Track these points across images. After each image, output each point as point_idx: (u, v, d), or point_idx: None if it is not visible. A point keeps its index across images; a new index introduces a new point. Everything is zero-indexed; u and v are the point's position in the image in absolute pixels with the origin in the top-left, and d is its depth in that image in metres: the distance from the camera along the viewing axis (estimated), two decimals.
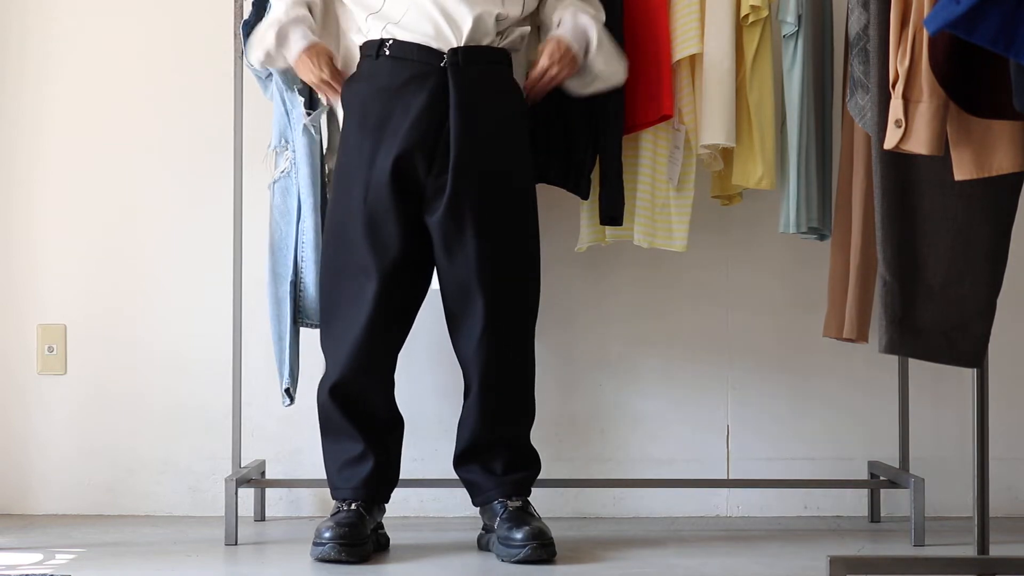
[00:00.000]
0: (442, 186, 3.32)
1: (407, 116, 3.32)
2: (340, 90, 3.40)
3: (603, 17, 3.50)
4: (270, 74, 3.57)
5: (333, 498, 3.43)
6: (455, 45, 3.33)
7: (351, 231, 3.35)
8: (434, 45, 3.33)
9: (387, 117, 3.33)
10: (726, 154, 3.67)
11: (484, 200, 3.34)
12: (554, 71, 3.41)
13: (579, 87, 3.48)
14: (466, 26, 3.33)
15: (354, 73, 3.42)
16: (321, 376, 3.44)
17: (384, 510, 3.47)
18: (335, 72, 3.40)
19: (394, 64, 3.35)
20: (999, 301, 2.90)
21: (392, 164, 3.31)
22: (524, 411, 3.46)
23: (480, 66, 3.35)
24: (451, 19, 3.33)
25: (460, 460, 3.46)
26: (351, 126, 3.39)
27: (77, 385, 4.02)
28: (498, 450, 3.42)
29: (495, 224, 3.35)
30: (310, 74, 3.39)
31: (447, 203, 3.31)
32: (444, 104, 3.32)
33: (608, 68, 3.46)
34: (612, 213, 3.60)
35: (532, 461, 3.47)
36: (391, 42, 3.35)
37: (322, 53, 3.38)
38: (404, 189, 3.33)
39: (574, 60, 3.41)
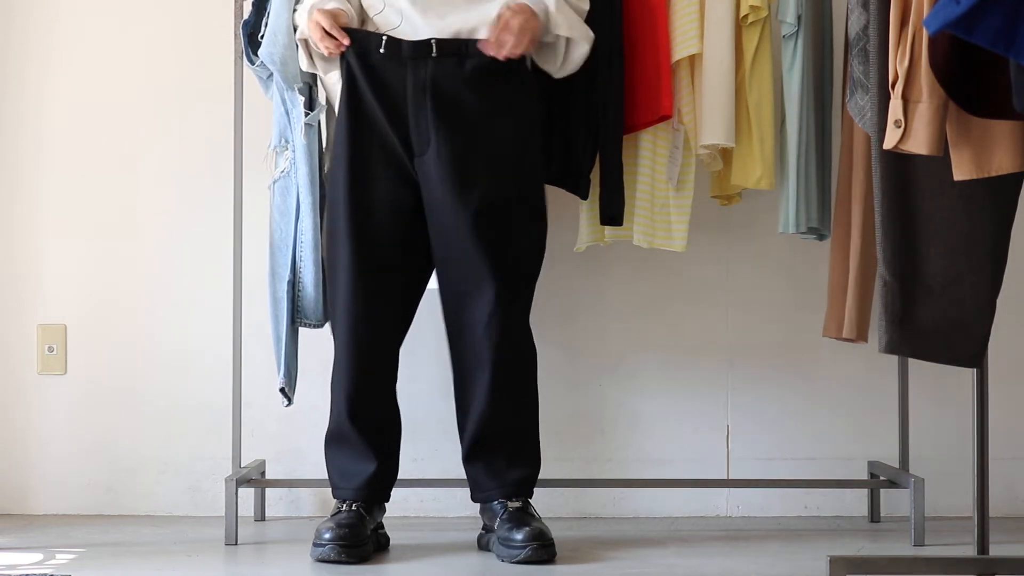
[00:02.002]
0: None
1: (408, 104, 3.35)
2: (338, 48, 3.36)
3: (578, 1, 3.46)
4: (271, 74, 3.57)
5: (334, 497, 3.43)
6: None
7: (356, 227, 3.37)
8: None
9: (390, 107, 3.37)
10: (725, 154, 3.67)
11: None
12: (514, 21, 3.32)
13: (552, 65, 3.45)
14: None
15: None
16: (331, 370, 3.45)
17: (384, 509, 3.47)
18: (340, 30, 3.35)
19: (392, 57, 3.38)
20: (999, 301, 2.90)
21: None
22: (528, 402, 3.46)
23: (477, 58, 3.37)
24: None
25: (468, 457, 3.45)
26: (354, 122, 3.41)
27: (77, 385, 4.02)
28: (503, 445, 3.42)
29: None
30: (318, 29, 3.34)
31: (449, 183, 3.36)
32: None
33: (573, 30, 3.39)
34: (612, 213, 3.60)
35: (534, 458, 3.46)
36: (385, 39, 3.37)
37: (337, 13, 3.36)
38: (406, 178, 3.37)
39: (532, 15, 3.34)
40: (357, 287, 3.37)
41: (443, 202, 3.35)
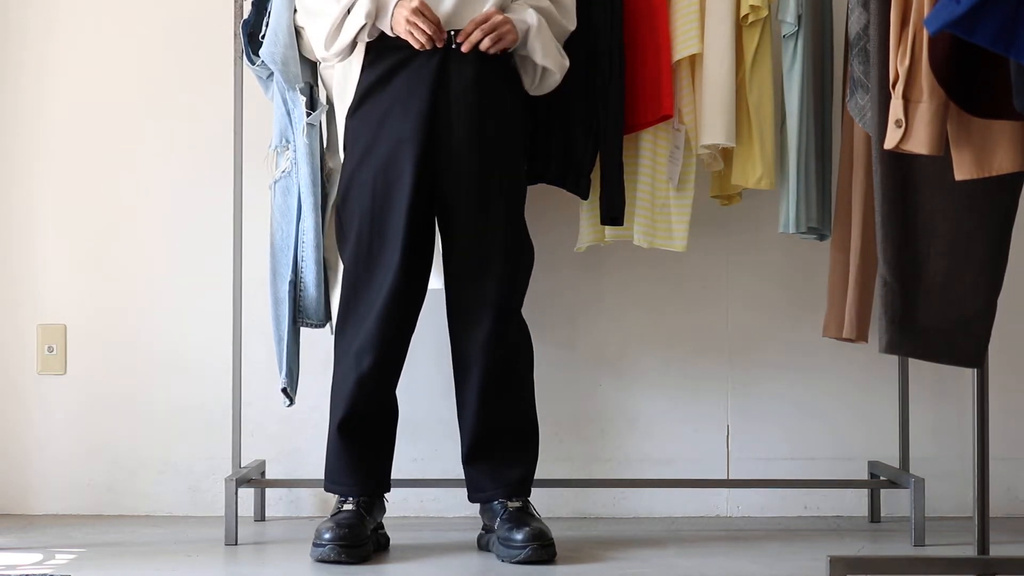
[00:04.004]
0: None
1: (412, 105, 3.35)
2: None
3: (565, 21, 3.49)
4: (271, 74, 3.58)
5: (333, 492, 3.42)
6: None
7: (371, 227, 3.37)
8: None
9: (392, 107, 3.36)
10: (726, 154, 3.67)
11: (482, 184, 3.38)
12: (494, 20, 3.35)
13: (528, 84, 3.47)
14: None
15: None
16: (333, 368, 3.45)
17: (384, 509, 3.47)
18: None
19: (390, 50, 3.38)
20: (999, 301, 2.90)
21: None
22: (526, 399, 3.47)
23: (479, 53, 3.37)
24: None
25: (469, 457, 3.45)
26: (361, 121, 3.41)
27: (77, 385, 4.02)
28: (502, 443, 3.42)
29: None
30: (418, 26, 3.31)
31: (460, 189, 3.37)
32: (443, 90, 3.35)
33: (547, 59, 3.41)
34: (613, 213, 3.60)
35: (533, 456, 3.46)
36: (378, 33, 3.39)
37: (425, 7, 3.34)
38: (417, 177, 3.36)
39: (511, 29, 3.36)
40: (401, 272, 3.35)
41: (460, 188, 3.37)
